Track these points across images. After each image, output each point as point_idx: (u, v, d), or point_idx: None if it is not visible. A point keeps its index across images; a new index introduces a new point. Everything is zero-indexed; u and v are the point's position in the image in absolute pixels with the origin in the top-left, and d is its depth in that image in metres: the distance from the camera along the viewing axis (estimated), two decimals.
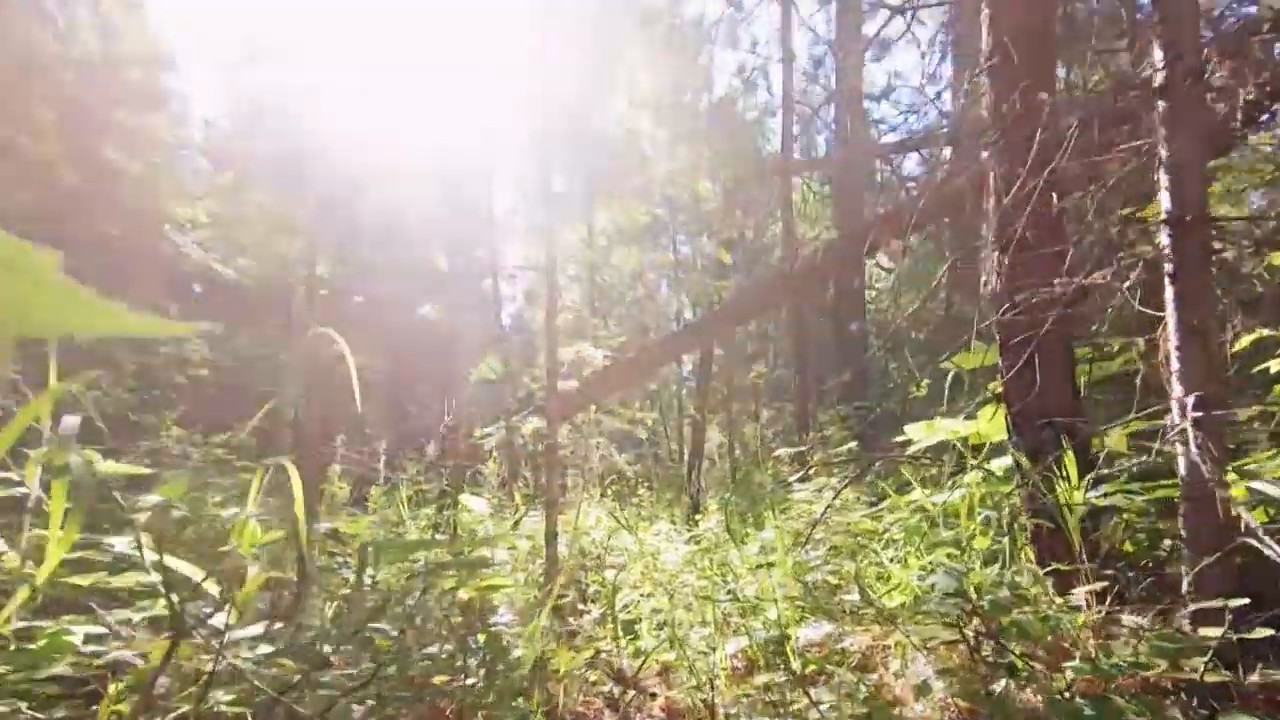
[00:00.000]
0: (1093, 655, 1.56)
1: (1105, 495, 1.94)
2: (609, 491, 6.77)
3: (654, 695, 2.90)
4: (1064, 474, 1.99)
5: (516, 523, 5.67)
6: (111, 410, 4.88)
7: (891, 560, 2.38)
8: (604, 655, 3.59)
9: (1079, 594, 1.72)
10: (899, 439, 2.96)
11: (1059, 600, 1.79)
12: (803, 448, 3.72)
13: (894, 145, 7.46)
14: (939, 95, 8.89)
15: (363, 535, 3.01)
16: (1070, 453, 2.00)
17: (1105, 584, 1.72)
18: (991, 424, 2.60)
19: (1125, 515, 2.00)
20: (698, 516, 6.23)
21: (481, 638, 2.44)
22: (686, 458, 7.69)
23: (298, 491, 1.87)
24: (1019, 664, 1.52)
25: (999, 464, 2.48)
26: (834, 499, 3.37)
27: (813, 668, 2.14)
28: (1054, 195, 2.28)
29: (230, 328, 5.10)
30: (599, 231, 6.63)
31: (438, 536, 5.70)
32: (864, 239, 6.35)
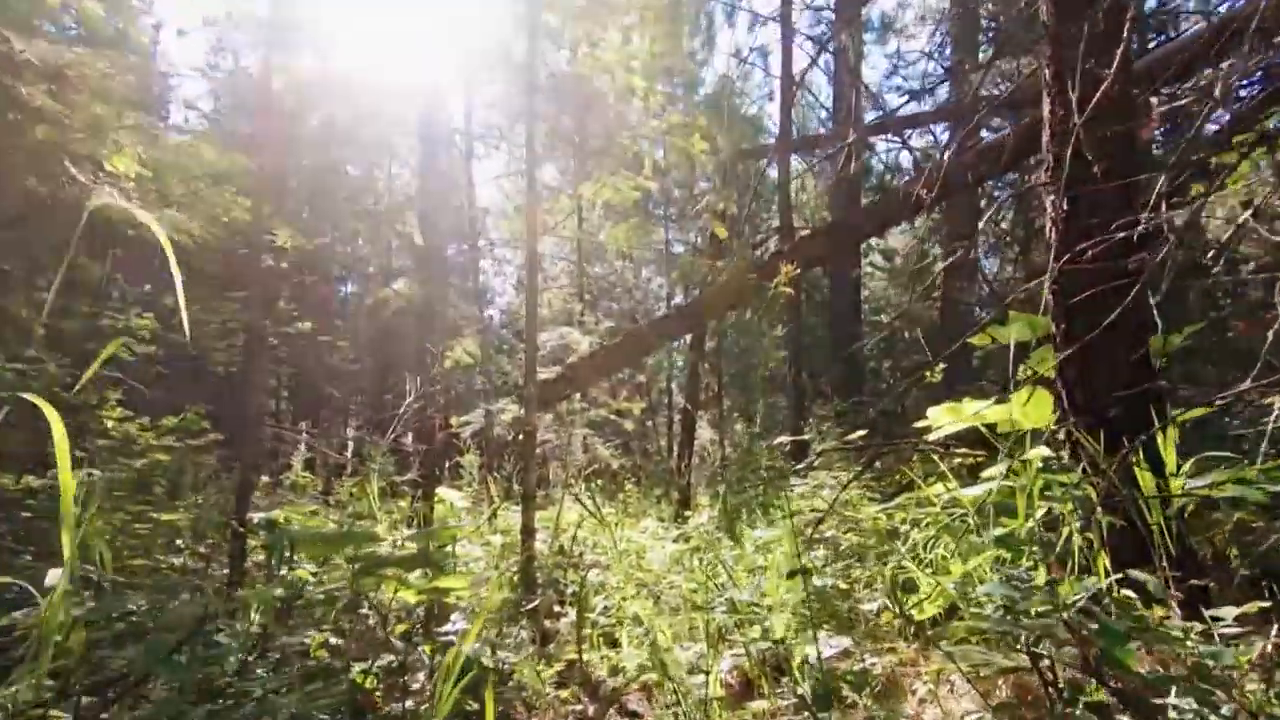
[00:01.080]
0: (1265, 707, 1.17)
1: (1213, 486, 1.56)
2: (593, 486, 6.38)
3: (635, 716, 2.52)
4: (1145, 461, 1.62)
5: (492, 515, 5.27)
6: (46, 389, 4.43)
7: (920, 564, 2.01)
8: (580, 666, 3.21)
9: (1227, 616, 1.34)
10: (919, 425, 2.58)
11: (1183, 622, 1.41)
12: (805, 436, 3.34)
13: (903, 120, 7.10)
14: (946, 75, 8.52)
15: (293, 527, 2.60)
16: (1156, 435, 1.63)
17: (1265, 605, 1.33)
18: (1032, 407, 2.23)
19: (1238, 512, 1.63)
20: (687, 513, 5.85)
21: (427, 649, 2.05)
22: (675, 451, 7.31)
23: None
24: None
25: (1036, 454, 2.09)
26: (843, 490, 2.99)
27: (825, 692, 1.76)
28: (1132, 101, 1.89)
29: (170, 297, 4.68)
30: (586, 206, 6.21)
31: (406, 531, 5.30)
32: (884, 213, 5.95)
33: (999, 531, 1.73)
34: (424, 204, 5.03)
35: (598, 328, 5.87)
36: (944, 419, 2.43)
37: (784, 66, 7.53)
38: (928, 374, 3.33)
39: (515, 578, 4.20)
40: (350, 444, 5.43)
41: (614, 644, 3.35)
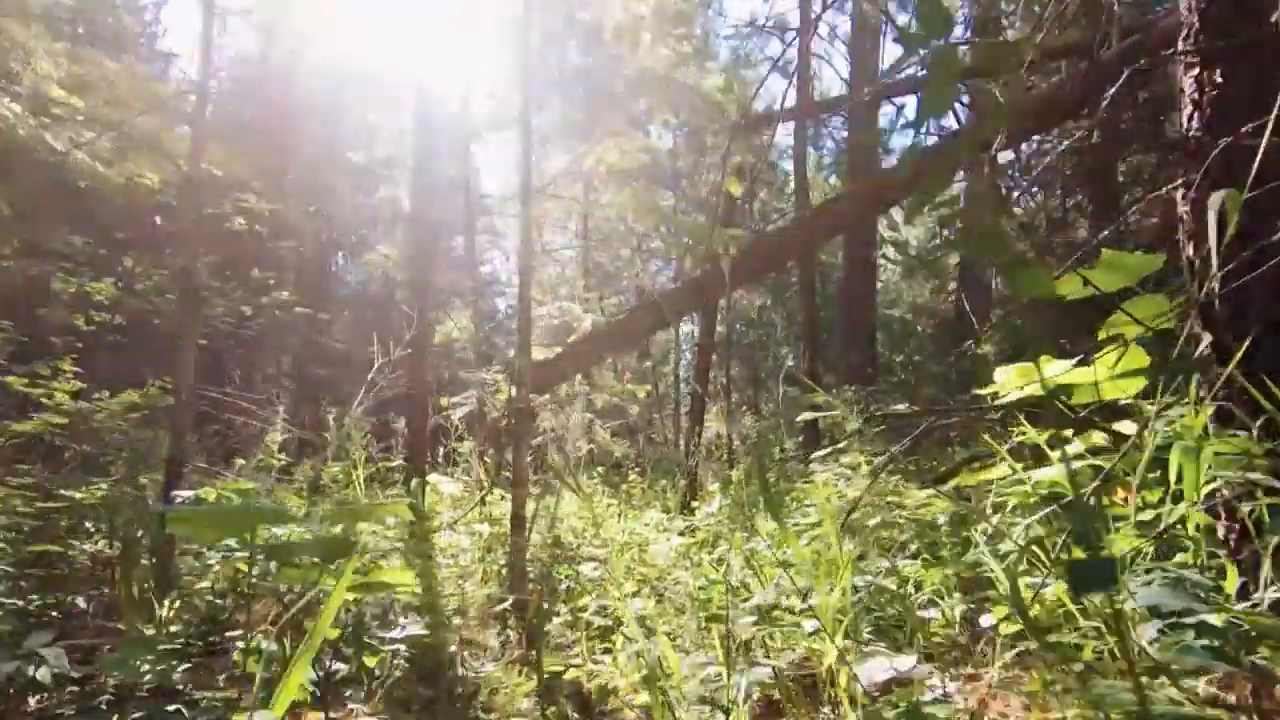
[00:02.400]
0: None
1: None
2: (595, 474, 5.95)
3: None
4: None
5: (480, 502, 4.84)
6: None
7: (1006, 560, 1.56)
8: (570, 673, 2.78)
9: None
10: (982, 391, 2.12)
11: None
12: (834, 412, 2.89)
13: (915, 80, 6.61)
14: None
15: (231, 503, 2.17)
16: None
17: None
18: (1125, 369, 1.78)
19: None
20: (695, 504, 5.41)
21: (372, 661, 1.61)
22: (682, 440, 6.86)
23: None
24: None
25: (1189, 416, 1.60)
26: (885, 466, 2.55)
27: None
28: None
29: (107, 248, 4.25)
30: (589, 170, 5.74)
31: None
32: (917, 172, 5.43)
33: (1144, 516, 1.28)
34: (418, 159, 4.58)
35: (601, 304, 5.43)
36: (1014, 382, 1.98)
37: (802, 15, 7.03)
38: (977, 344, 2.88)
39: (502, 571, 3.77)
40: (333, 424, 5.03)
41: (611, 648, 2.92)
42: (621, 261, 12.98)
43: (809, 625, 1.81)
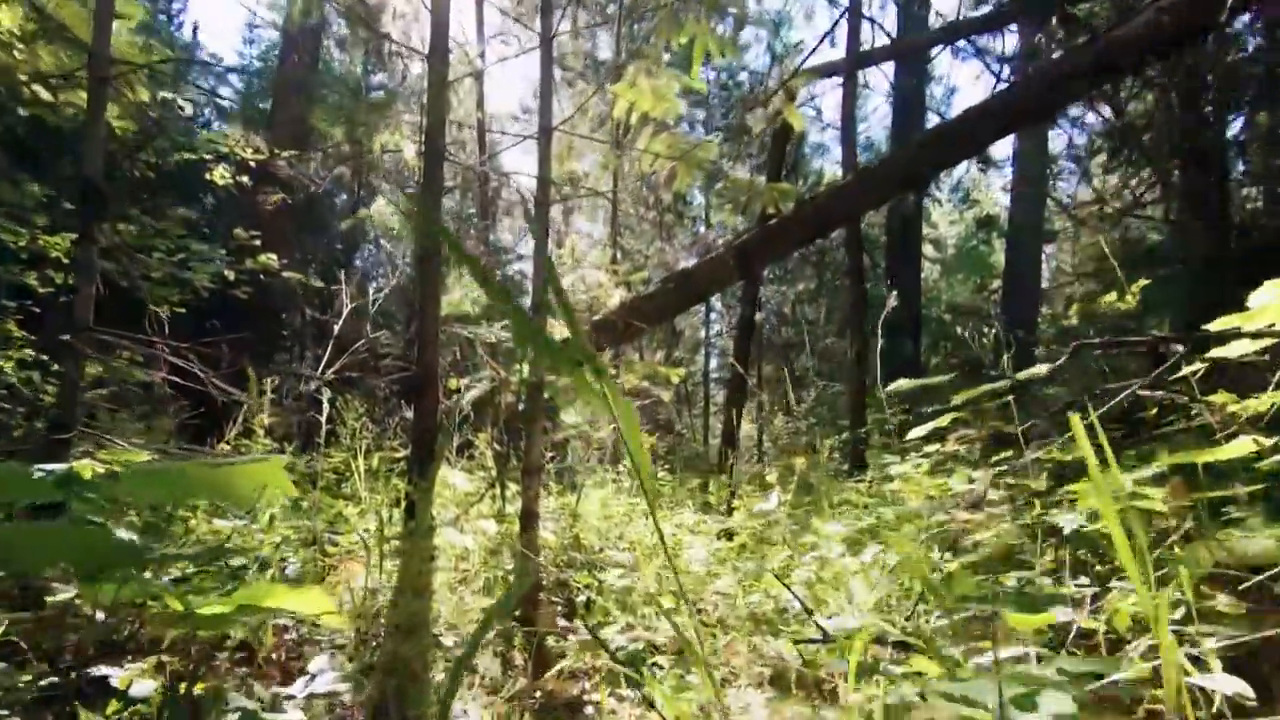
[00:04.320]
0: None
1: None
2: (620, 470, 5.33)
3: None
4: None
5: (494, 495, 4.23)
6: None
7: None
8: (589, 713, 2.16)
9: None
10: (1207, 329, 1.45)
11: None
12: (932, 379, 2.25)
13: (981, 20, 5.91)
14: None
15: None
16: None
17: None
18: None
19: None
20: (735, 503, 4.76)
21: None
22: (720, 432, 6.20)
23: None
24: None
25: None
26: (1036, 448, 1.88)
27: None
28: None
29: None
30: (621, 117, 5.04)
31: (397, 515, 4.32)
32: (997, 111, 4.67)
33: None
34: (434, 87, 4.00)
35: (631, 277, 4.82)
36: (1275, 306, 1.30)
37: None
38: (1120, 299, 2.20)
39: (509, 578, 3.16)
40: (324, 402, 4.47)
41: (640, 681, 2.29)
42: (648, 235, 12.35)
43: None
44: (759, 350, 15.20)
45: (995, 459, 2.23)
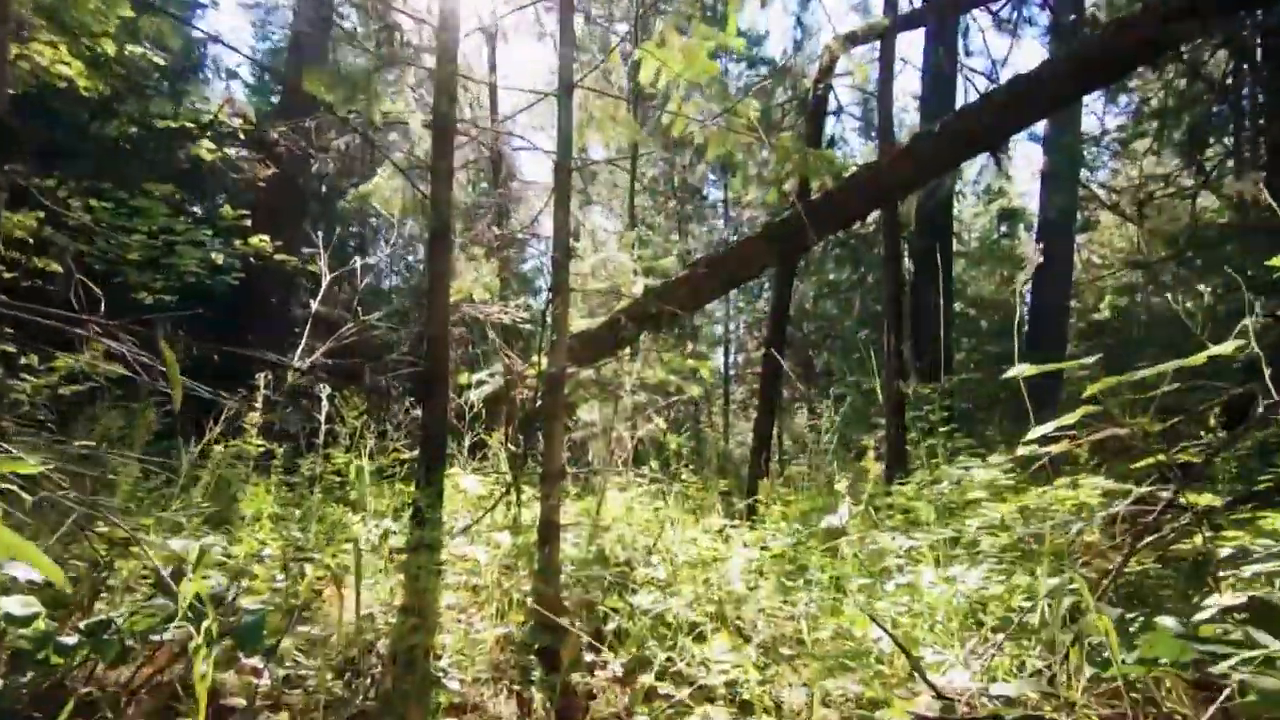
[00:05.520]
0: None
1: None
2: (644, 471, 4.91)
3: None
4: None
5: (511, 501, 3.82)
6: None
7: None
8: None
9: None
10: None
11: None
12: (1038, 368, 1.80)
13: None
14: None
15: None
16: None
17: None
18: None
19: None
20: (778, 509, 4.32)
21: None
22: (754, 429, 5.76)
23: None
24: None
25: None
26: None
27: None
28: None
29: None
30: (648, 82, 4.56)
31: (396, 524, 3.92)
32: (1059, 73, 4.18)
33: None
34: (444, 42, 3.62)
35: (656, 263, 4.40)
36: None
37: None
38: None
39: (526, 600, 2.74)
40: (324, 402, 4.08)
41: None
42: (664, 229, 11.89)
43: None
44: (782, 340, 14.70)
45: (1133, 466, 1.79)
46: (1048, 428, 1.75)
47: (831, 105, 7.67)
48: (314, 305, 3.35)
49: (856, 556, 2.33)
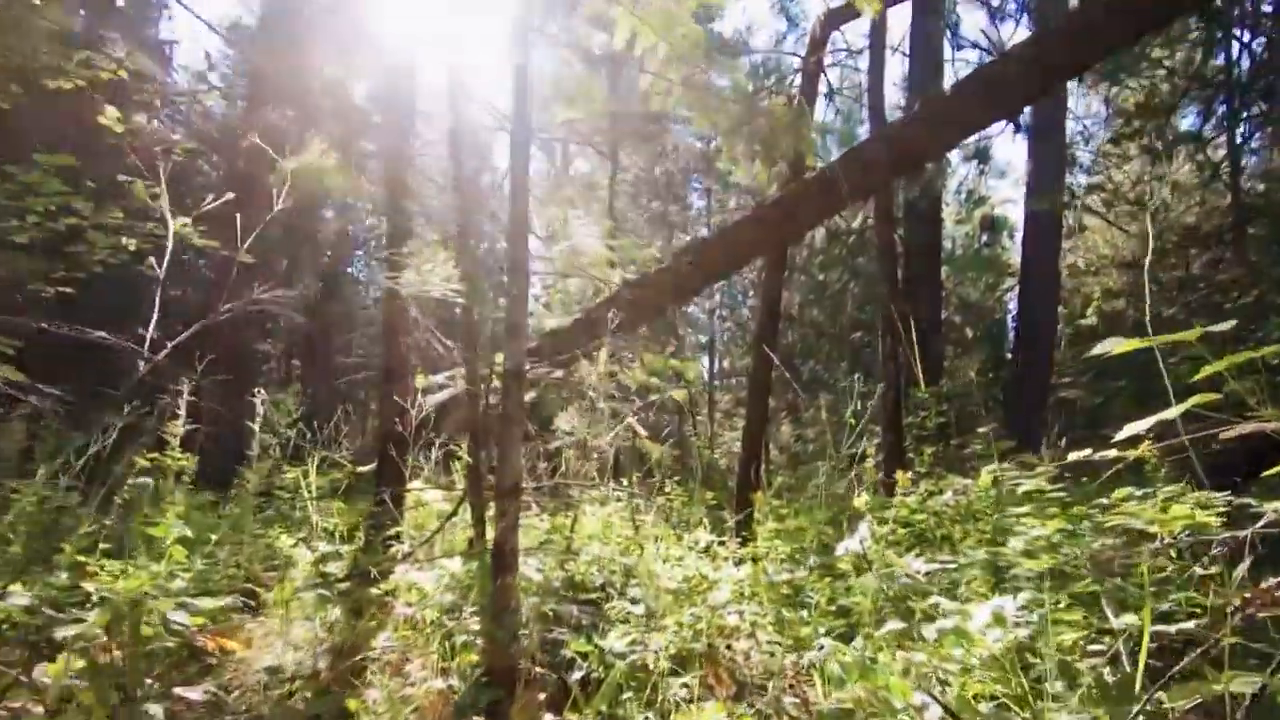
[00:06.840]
0: None
1: None
2: (623, 483, 4.46)
3: None
4: None
5: (458, 523, 3.32)
6: None
7: None
8: None
9: None
10: None
11: None
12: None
13: None
14: None
15: None
16: None
17: None
18: None
19: None
20: (773, 525, 3.87)
21: None
22: (743, 436, 5.31)
23: None
24: None
25: None
26: None
27: None
28: None
29: None
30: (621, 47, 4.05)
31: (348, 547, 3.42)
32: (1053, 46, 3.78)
33: None
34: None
35: (635, 254, 3.95)
36: None
37: None
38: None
39: (476, 639, 2.26)
40: (261, 409, 3.59)
41: None
42: (644, 232, 11.46)
43: None
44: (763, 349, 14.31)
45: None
46: (1146, 423, 1.31)
47: (823, 88, 7.31)
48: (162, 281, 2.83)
49: (884, 592, 1.87)
